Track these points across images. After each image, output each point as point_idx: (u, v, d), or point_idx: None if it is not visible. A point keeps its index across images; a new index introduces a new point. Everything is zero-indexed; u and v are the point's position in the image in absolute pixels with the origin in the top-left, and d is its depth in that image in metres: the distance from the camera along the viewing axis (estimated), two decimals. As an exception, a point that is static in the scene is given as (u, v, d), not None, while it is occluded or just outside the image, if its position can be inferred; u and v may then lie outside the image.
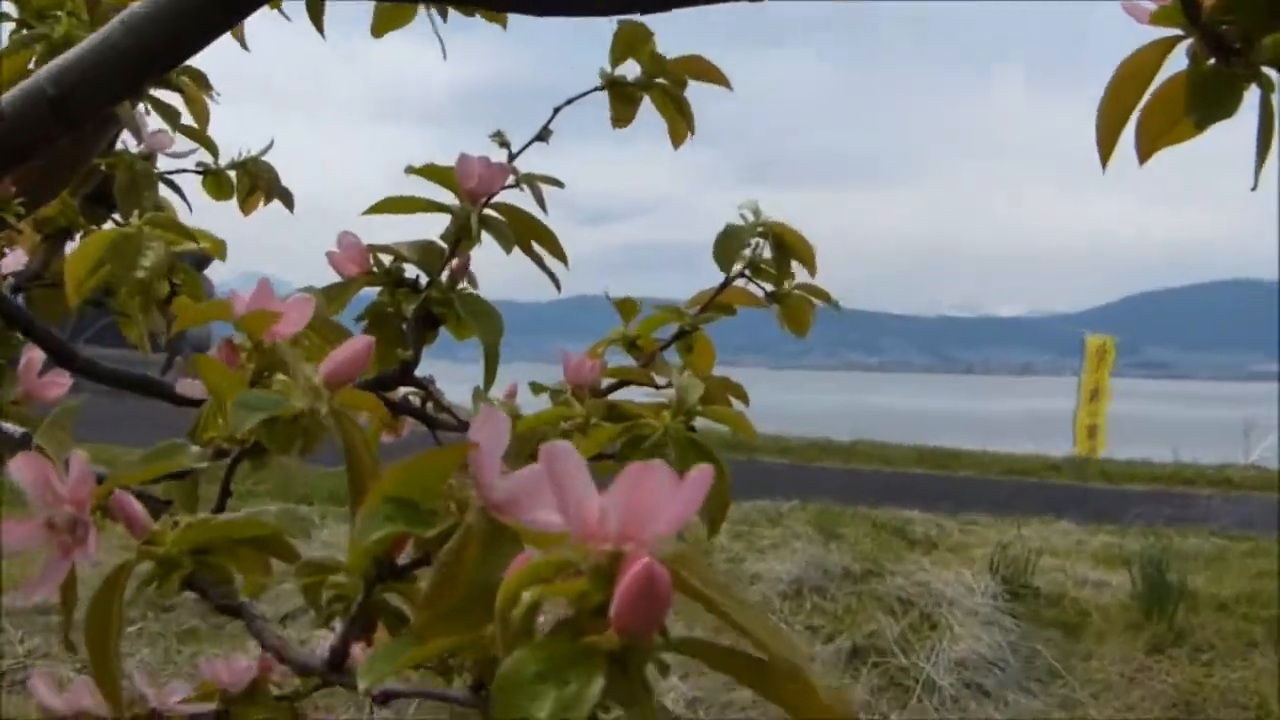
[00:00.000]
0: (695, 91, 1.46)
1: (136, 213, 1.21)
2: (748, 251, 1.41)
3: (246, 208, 1.60)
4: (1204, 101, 0.68)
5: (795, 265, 1.42)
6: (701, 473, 0.46)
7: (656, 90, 1.42)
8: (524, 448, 1.06)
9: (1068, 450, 14.72)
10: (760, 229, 1.39)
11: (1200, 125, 0.68)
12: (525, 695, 0.44)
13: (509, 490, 0.54)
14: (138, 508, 0.67)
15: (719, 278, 1.40)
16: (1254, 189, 0.69)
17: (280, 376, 0.72)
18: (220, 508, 0.74)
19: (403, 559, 0.59)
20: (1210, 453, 14.26)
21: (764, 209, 1.39)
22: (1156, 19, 0.68)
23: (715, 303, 1.41)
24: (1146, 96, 0.72)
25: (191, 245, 1.20)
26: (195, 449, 0.72)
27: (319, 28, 1.41)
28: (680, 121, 1.45)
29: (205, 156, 1.56)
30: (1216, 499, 9.71)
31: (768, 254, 1.41)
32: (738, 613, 0.47)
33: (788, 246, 1.39)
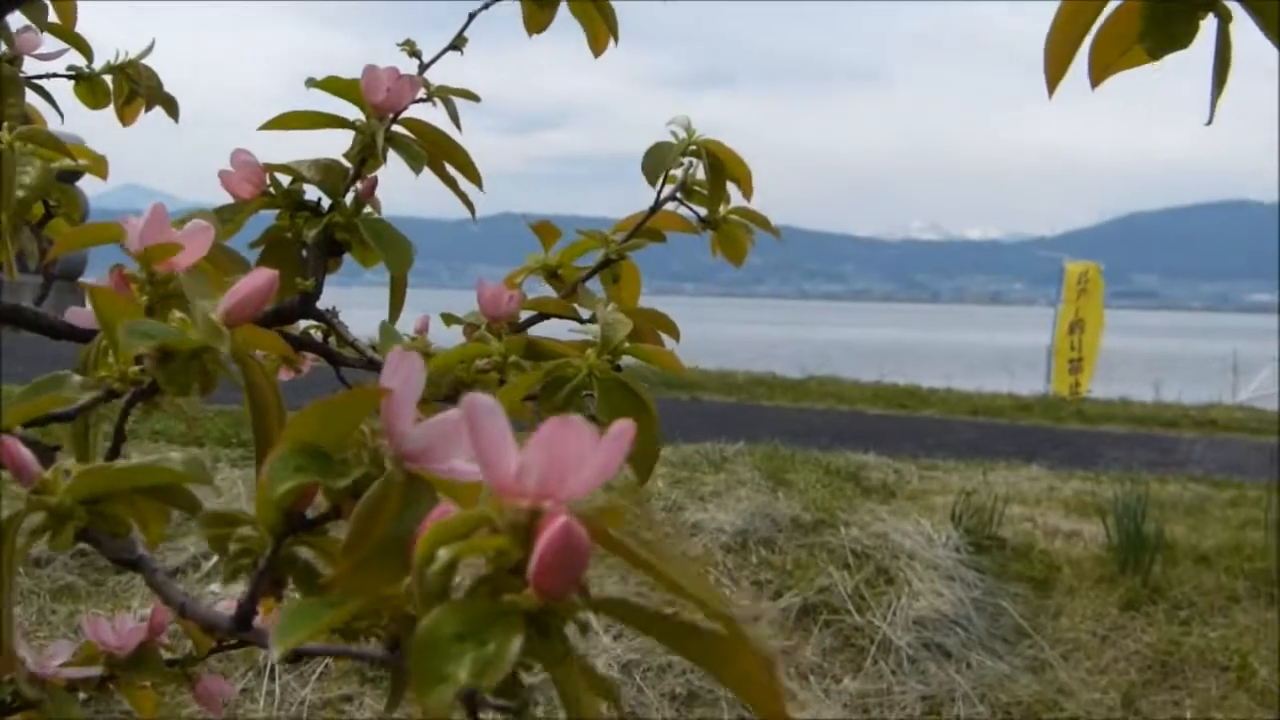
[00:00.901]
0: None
1: (6, 125, 1.22)
2: (679, 172, 1.44)
3: (125, 116, 1.59)
4: (1159, 30, 0.72)
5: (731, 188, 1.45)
6: (622, 428, 0.50)
7: (578, -6, 1.44)
8: (436, 388, 1.10)
9: (1040, 388, 14.86)
10: (692, 147, 1.41)
11: (1154, 55, 0.73)
12: (444, 656, 0.48)
13: (423, 439, 0.58)
14: (26, 453, 0.70)
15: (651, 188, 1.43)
16: (1209, 124, 0.73)
17: (177, 313, 0.75)
18: (115, 453, 0.77)
19: (312, 511, 0.63)
20: (1196, 390, 14.47)
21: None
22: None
23: (644, 228, 1.44)
24: (1100, 21, 0.76)
25: (69, 163, 1.21)
26: (79, 380, 0.75)
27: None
28: (600, 28, 1.47)
29: (77, 59, 1.55)
30: (1200, 442, 9.85)
31: (701, 175, 1.44)
32: (668, 568, 0.52)
33: (722, 167, 1.41)
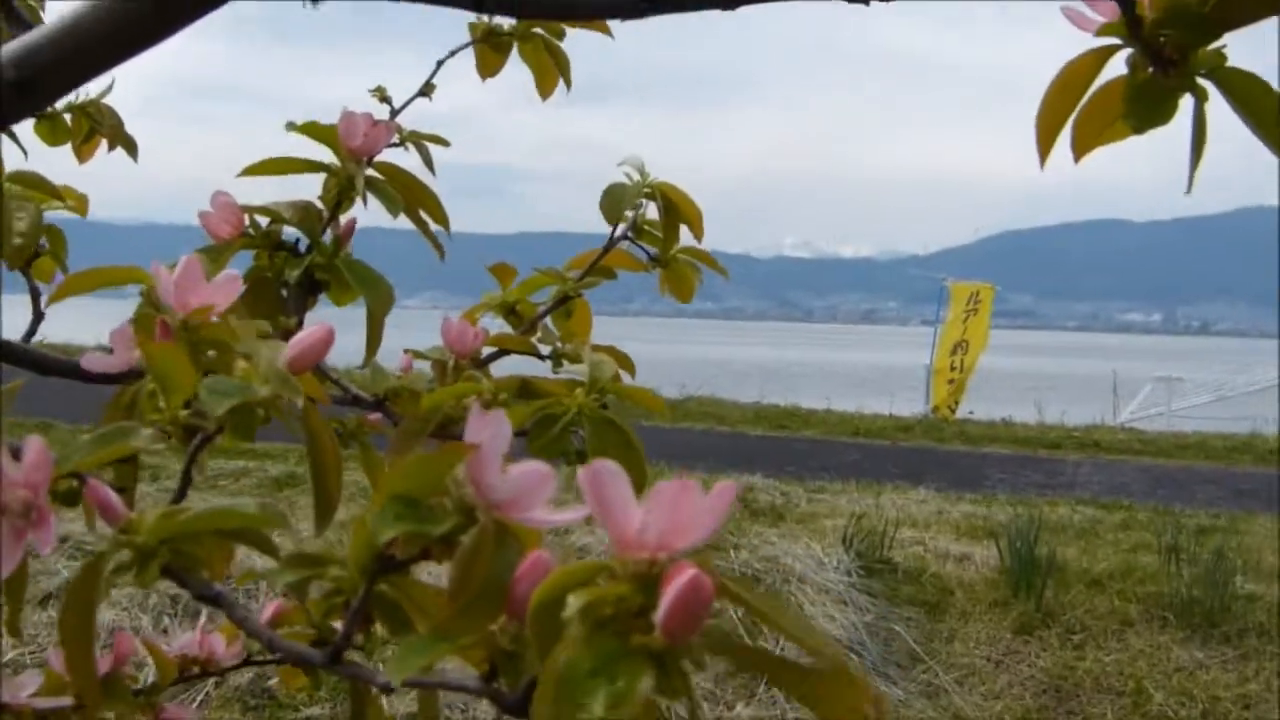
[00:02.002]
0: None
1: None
2: (630, 212, 1.51)
3: (82, 154, 1.61)
4: (1142, 108, 0.82)
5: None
6: (724, 488, 0.58)
7: (532, 40, 1.52)
8: (426, 424, 1.17)
9: (920, 408, 15.07)
10: (647, 189, 1.50)
11: (1138, 130, 0.83)
12: (580, 690, 0.56)
13: (508, 491, 0.66)
14: (112, 495, 0.77)
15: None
16: (1188, 193, 0.84)
17: (241, 363, 0.82)
18: (182, 494, 0.84)
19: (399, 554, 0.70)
20: (1078, 411, 14.72)
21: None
22: (1102, 31, 0.82)
23: (598, 266, 1.52)
24: (1084, 99, 0.86)
25: (59, 204, 1.27)
26: (147, 432, 0.82)
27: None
28: (551, 74, 1.55)
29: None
30: (1086, 464, 10.08)
31: (651, 214, 1.52)
32: (777, 614, 0.61)
33: (676, 209, 1.49)
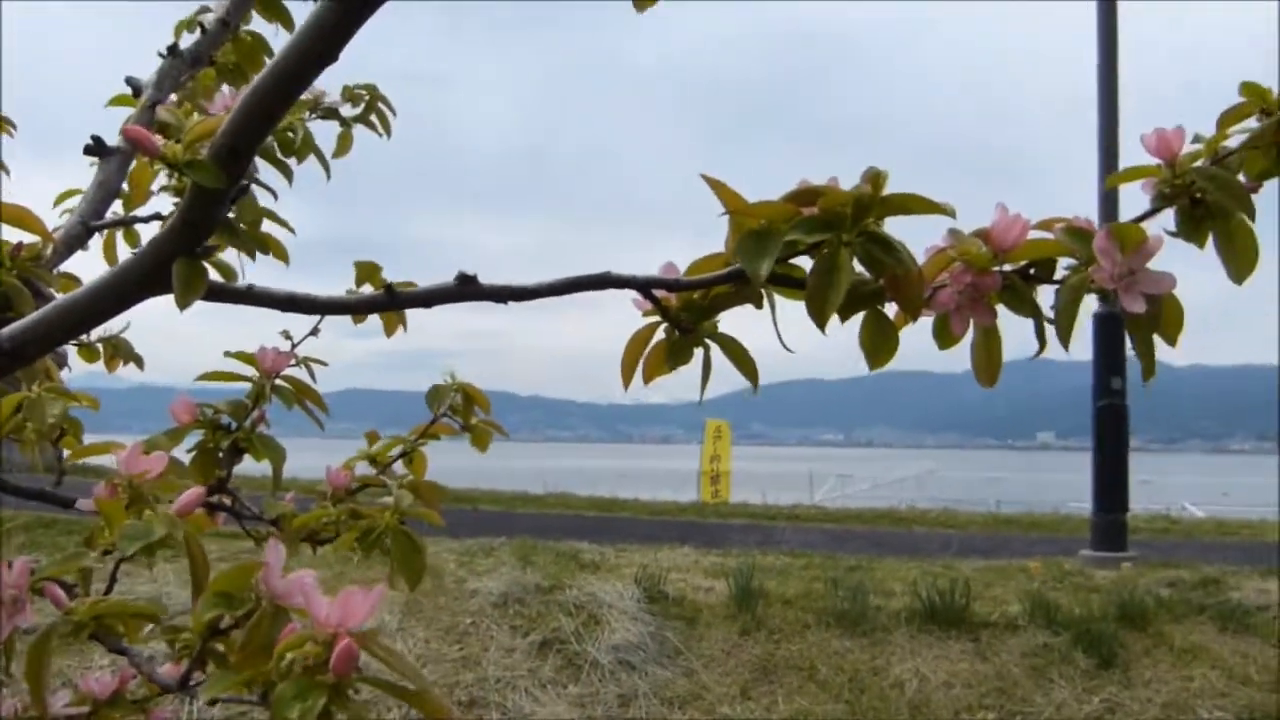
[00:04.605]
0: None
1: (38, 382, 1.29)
2: (448, 400, 1.56)
3: (110, 367, 1.62)
4: (674, 356, 0.89)
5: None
6: (379, 590, 0.64)
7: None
8: (297, 535, 1.20)
9: (692, 496, 15.16)
10: (457, 388, 1.55)
11: (672, 368, 0.90)
12: (288, 706, 0.62)
13: (283, 589, 0.71)
14: (60, 593, 0.80)
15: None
16: (700, 405, 0.90)
17: (148, 511, 0.86)
18: (110, 589, 0.86)
19: (225, 624, 0.74)
20: (787, 495, 14.89)
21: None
22: (648, 314, 0.89)
23: (427, 432, 1.56)
24: (647, 350, 0.92)
25: (76, 403, 1.29)
26: (93, 554, 0.85)
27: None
28: (393, 320, 1.58)
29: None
30: (789, 529, 10.17)
31: (460, 401, 1.56)
32: (397, 662, 0.66)
33: (472, 399, 1.55)
